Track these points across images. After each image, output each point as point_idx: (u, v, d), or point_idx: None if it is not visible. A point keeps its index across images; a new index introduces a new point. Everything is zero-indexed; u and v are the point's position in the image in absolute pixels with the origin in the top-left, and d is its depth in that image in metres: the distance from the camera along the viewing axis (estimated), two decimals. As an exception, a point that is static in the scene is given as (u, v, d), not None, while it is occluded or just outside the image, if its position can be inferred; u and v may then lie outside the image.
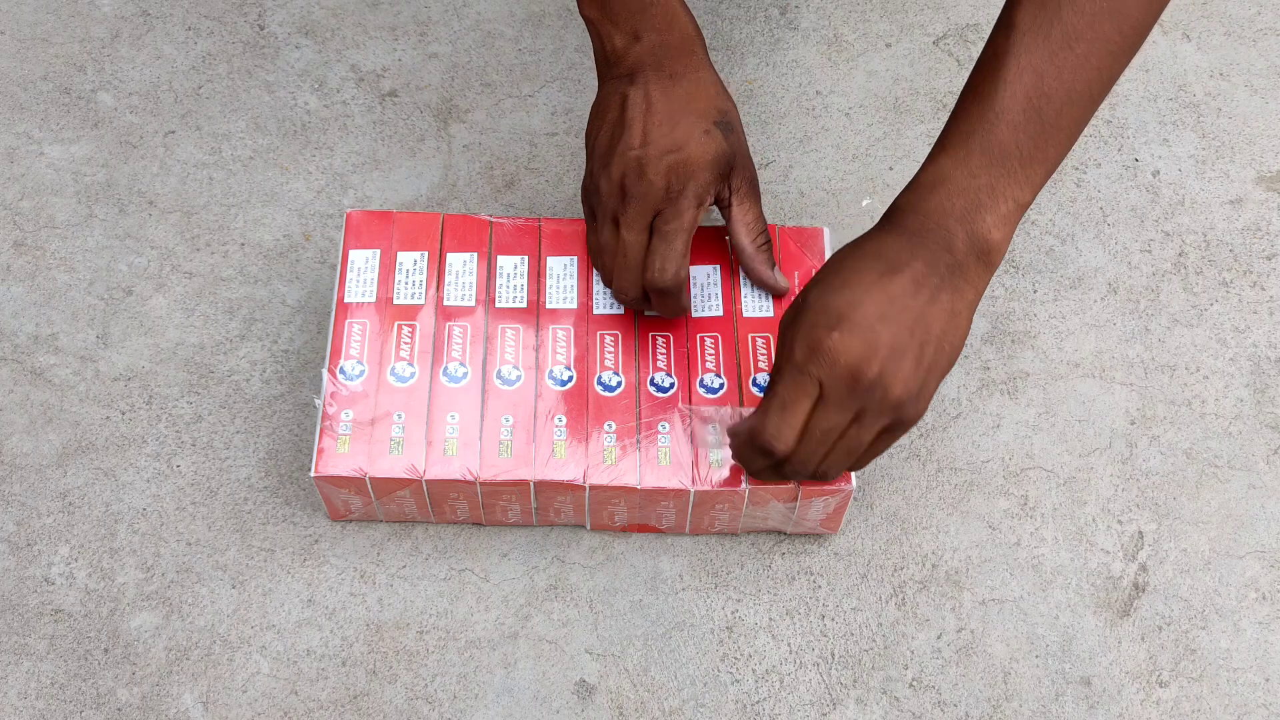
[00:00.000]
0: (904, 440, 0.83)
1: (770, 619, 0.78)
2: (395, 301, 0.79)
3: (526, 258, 0.81)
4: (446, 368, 0.77)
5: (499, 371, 0.77)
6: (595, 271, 0.80)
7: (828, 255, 0.81)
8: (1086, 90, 0.65)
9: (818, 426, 0.65)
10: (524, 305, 0.79)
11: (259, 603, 0.77)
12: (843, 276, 0.65)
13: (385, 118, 0.95)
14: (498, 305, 0.79)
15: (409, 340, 0.78)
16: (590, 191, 0.75)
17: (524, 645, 0.77)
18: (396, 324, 0.78)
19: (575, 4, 0.75)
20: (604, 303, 0.79)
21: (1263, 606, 0.79)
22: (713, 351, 0.78)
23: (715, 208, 0.78)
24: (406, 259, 0.80)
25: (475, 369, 0.77)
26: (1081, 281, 0.90)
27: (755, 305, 0.80)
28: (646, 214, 0.73)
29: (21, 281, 0.87)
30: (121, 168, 0.92)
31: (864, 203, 0.92)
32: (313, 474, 0.73)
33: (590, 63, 0.97)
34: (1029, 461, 0.83)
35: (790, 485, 0.73)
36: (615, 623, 0.78)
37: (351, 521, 0.80)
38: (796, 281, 0.80)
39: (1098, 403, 0.85)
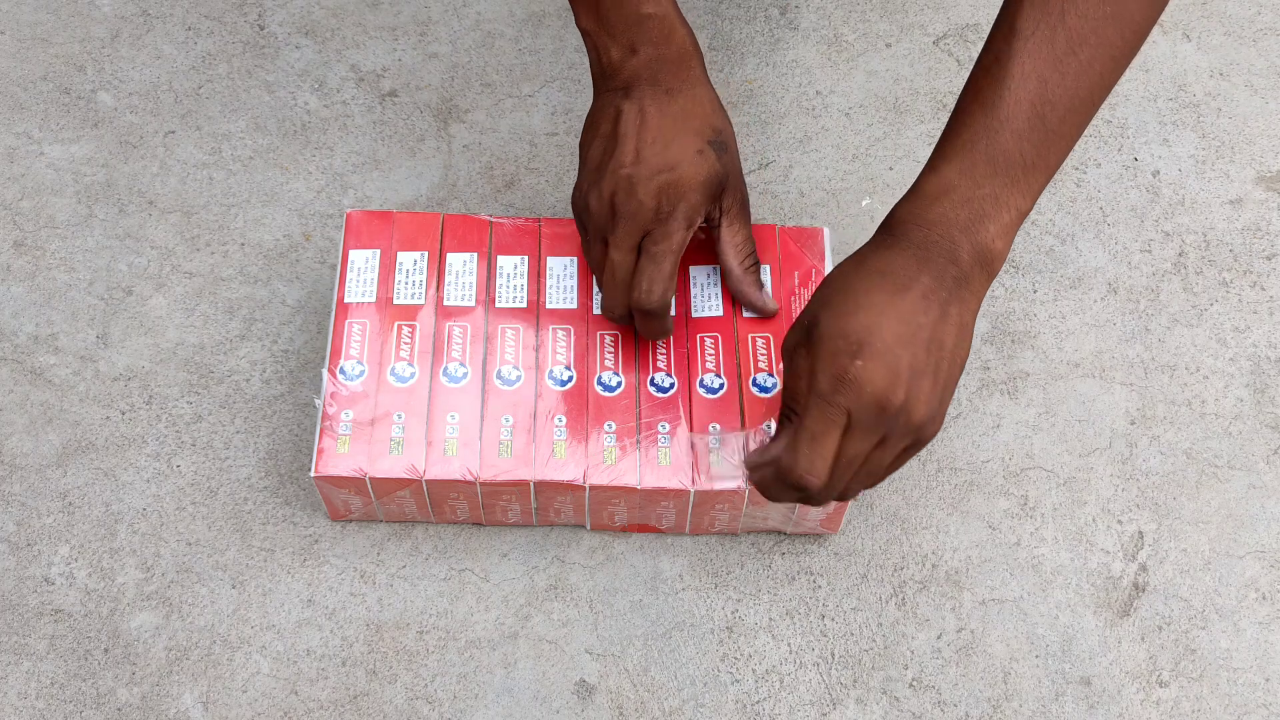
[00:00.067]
0: (904, 440, 0.83)
1: (770, 619, 0.78)
2: (395, 301, 0.79)
3: (526, 258, 0.81)
4: (446, 368, 0.77)
5: (499, 371, 0.77)
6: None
7: (828, 255, 0.81)
8: (1089, 96, 0.64)
9: (845, 455, 0.63)
10: (524, 305, 0.79)
11: (259, 603, 0.77)
12: (854, 298, 0.63)
13: (385, 118, 0.95)
14: (498, 305, 0.79)
15: (409, 340, 0.78)
16: (580, 207, 0.74)
17: (524, 645, 0.77)
18: (396, 324, 0.78)
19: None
20: (604, 303, 0.79)
21: (1263, 606, 0.79)
22: (713, 352, 0.78)
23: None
24: (406, 259, 0.80)
25: (475, 369, 0.77)
26: (1081, 281, 0.90)
27: (755, 305, 0.80)
28: (635, 234, 0.72)
29: (21, 281, 0.87)
30: (121, 168, 0.92)
31: (864, 203, 0.92)
32: (313, 474, 0.73)
33: (590, 63, 0.97)
34: (1029, 461, 0.83)
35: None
36: (615, 623, 0.78)
37: (351, 521, 0.80)
38: (796, 281, 0.80)
39: (1098, 403, 0.85)
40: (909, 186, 0.66)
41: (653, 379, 0.77)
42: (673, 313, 0.79)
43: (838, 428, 0.62)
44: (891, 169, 0.94)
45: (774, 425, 0.75)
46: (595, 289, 0.80)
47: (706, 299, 0.79)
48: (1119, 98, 0.98)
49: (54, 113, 0.94)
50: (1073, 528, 0.81)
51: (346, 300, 0.79)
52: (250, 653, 0.76)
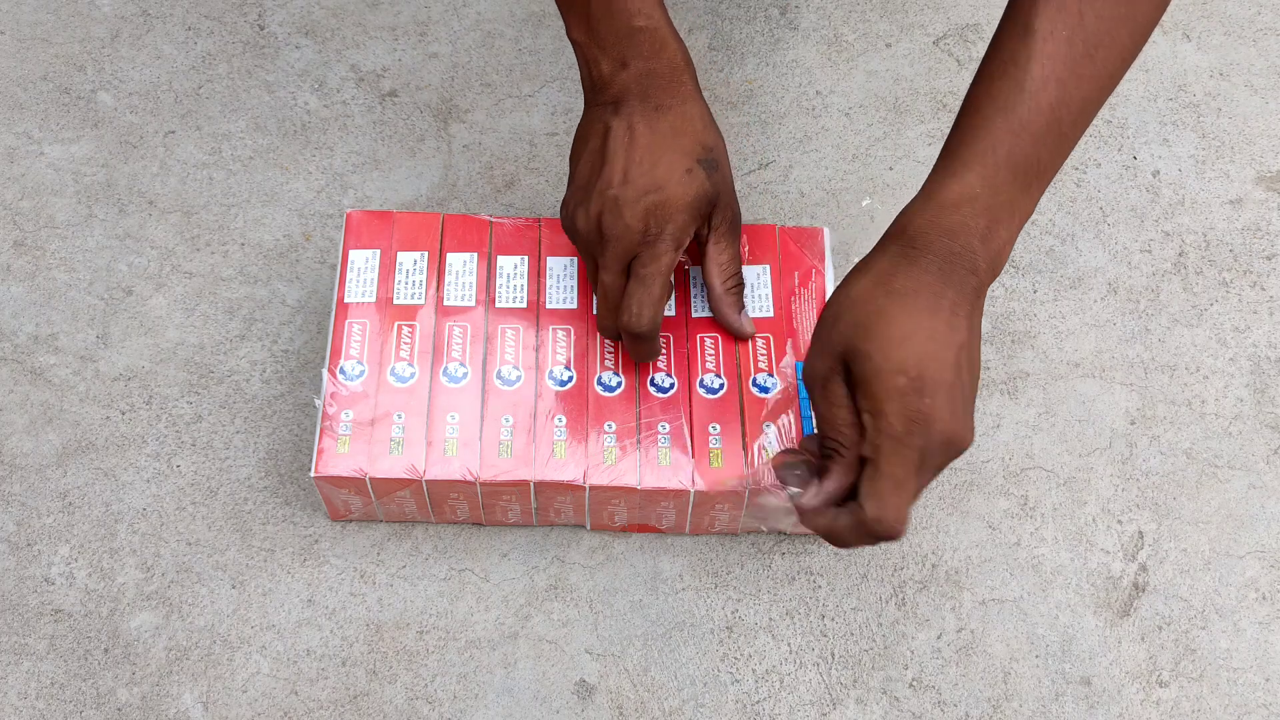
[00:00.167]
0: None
1: (770, 619, 0.78)
2: (395, 301, 0.79)
3: (526, 258, 0.81)
4: (446, 368, 0.77)
5: (499, 371, 0.77)
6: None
7: (828, 255, 0.81)
8: (1098, 98, 0.63)
9: (918, 491, 0.62)
10: (524, 305, 0.79)
11: (259, 603, 0.77)
12: (896, 325, 0.61)
13: (385, 118, 0.95)
14: (498, 305, 0.79)
15: (409, 340, 0.78)
16: (569, 226, 0.73)
17: (524, 645, 0.77)
18: (396, 324, 0.78)
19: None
20: (604, 303, 0.79)
21: (1263, 606, 0.79)
22: (713, 352, 0.78)
23: None
24: (406, 259, 0.80)
25: (475, 369, 0.77)
26: (1081, 281, 0.90)
27: (755, 305, 0.80)
28: (623, 257, 0.71)
29: (21, 281, 0.87)
30: (121, 168, 0.92)
31: (864, 203, 0.92)
32: (313, 474, 0.73)
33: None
34: (1029, 461, 0.83)
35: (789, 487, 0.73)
36: (615, 623, 0.78)
37: (351, 521, 0.80)
38: (796, 281, 0.80)
39: (1098, 403, 0.85)
40: (920, 188, 0.64)
41: (653, 379, 0.77)
42: (672, 313, 0.79)
43: (915, 468, 0.61)
44: (891, 169, 0.94)
45: (773, 427, 0.75)
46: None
47: (707, 300, 0.79)
48: (1119, 98, 0.98)
49: (54, 113, 0.94)
50: (1073, 528, 0.81)
51: (346, 300, 0.79)
52: (250, 653, 0.76)
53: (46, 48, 0.97)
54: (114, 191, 0.91)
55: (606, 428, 0.75)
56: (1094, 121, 0.95)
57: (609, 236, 0.70)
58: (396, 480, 0.74)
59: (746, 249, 0.81)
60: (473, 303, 0.79)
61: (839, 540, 0.64)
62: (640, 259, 0.71)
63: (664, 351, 0.77)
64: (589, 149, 0.72)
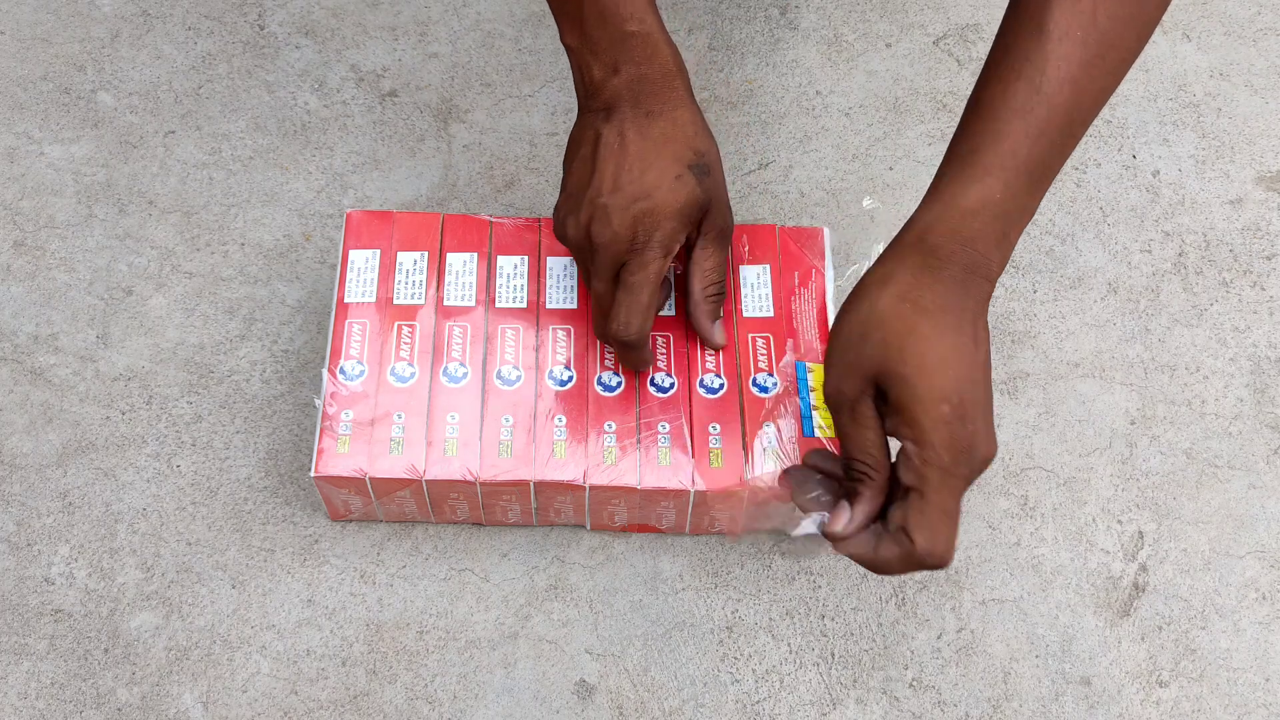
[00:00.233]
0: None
1: (770, 619, 0.78)
2: (395, 301, 0.79)
3: (526, 258, 0.81)
4: (446, 368, 0.77)
5: (499, 371, 0.77)
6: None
7: (828, 255, 0.81)
8: (1104, 99, 0.63)
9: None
10: (524, 305, 0.79)
11: (259, 603, 0.77)
12: (931, 348, 0.60)
13: (385, 118, 0.95)
14: (498, 305, 0.79)
15: (409, 340, 0.78)
16: (560, 233, 0.73)
17: (524, 645, 0.77)
18: (396, 324, 0.78)
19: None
20: (604, 303, 0.79)
21: (1263, 606, 0.79)
22: (712, 352, 0.78)
23: None
24: (406, 259, 0.80)
25: (475, 369, 0.77)
26: (1081, 281, 0.90)
27: (755, 305, 0.80)
28: (613, 265, 0.70)
29: (21, 281, 0.87)
30: (121, 168, 0.92)
31: (864, 203, 0.92)
32: (313, 474, 0.73)
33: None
34: (1029, 461, 0.83)
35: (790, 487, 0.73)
36: (615, 623, 0.78)
37: (351, 521, 0.80)
38: (796, 281, 0.80)
39: (1098, 403, 0.85)
40: (933, 191, 0.63)
41: (653, 379, 0.77)
42: (672, 313, 0.79)
43: (961, 496, 0.60)
44: (891, 169, 0.94)
45: (773, 428, 0.75)
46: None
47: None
48: (1119, 98, 0.98)
49: (54, 113, 0.94)
50: (1073, 528, 0.81)
51: (346, 300, 0.79)
52: (250, 653, 0.76)
53: (46, 48, 0.97)
54: (114, 191, 0.91)
55: (606, 428, 0.75)
56: (1094, 121, 0.96)
57: (598, 244, 0.70)
58: (396, 480, 0.74)
59: (747, 249, 0.81)
60: (473, 303, 0.79)
61: (882, 569, 0.62)
62: (629, 266, 0.70)
63: (656, 360, 0.77)
64: (580, 155, 0.71)
